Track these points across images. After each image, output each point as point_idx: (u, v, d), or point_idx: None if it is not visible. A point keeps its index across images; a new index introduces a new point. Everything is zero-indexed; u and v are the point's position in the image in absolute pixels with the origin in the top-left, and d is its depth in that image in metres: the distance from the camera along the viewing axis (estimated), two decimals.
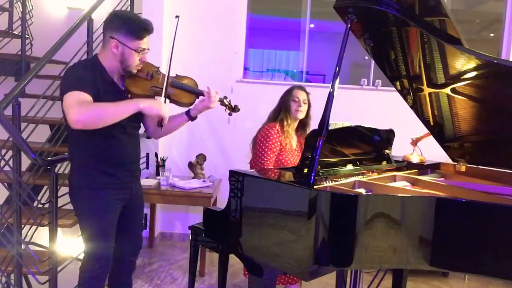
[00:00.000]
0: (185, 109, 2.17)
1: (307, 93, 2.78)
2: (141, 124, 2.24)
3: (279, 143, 2.66)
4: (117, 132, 2.00)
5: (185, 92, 2.10)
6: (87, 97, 1.84)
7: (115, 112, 1.85)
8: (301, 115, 2.74)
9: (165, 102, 1.98)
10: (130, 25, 1.94)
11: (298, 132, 2.84)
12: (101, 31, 2.04)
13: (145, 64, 2.05)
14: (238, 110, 2.24)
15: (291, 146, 2.74)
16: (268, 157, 2.63)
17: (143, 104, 1.88)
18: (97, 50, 3.21)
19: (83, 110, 1.78)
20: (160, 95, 2.00)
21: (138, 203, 2.28)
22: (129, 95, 2.02)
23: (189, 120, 2.17)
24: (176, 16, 2.00)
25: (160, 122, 1.97)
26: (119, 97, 1.98)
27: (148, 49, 2.02)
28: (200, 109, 2.13)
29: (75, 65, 2.08)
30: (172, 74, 2.10)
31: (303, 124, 2.81)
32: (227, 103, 2.22)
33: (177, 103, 2.10)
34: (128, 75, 2.03)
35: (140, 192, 2.29)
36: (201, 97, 2.13)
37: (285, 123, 2.70)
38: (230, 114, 2.25)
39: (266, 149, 2.63)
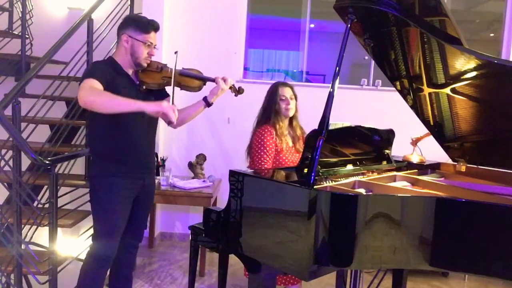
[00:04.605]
0: (196, 96, 2.39)
1: (292, 88, 2.71)
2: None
3: (274, 145, 2.62)
4: (131, 125, 2.20)
5: (193, 78, 2.35)
6: (97, 84, 2.03)
7: (116, 103, 1.96)
8: (291, 112, 2.68)
9: (173, 91, 2.15)
10: (138, 22, 2.21)
11: (289, 128, 2.76)
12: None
13: (153, 61, 2.28)
14: (243, 91, 2.42)
15: (287, 145, 2.68)
16: (266, 160, 2.59)
17: (145, 105, 1.95)
18: (98, 50, 3.27)
19: (88, 93, 1.98)
20: (170, 84, 2.19)
21: (148, 195, 2.43)
22: (144, 86, 2.24)
23: (207, 106, 2.36)
24: (175, 52, 2.18)
25: (168, 120, 2.01)
26: (134, 89, 2.22)
27: (156, 46, 2.25)
28: (216, 93, 2.33)
29: (93, 62, 2.32)
30: (179, 67, 2.31)
31: (290, 119, 2.73)
32: (232, 86, 2.43)
33: (187, 89, 2.33)
34: (139, 68, 2.24)
35: (152, 185, 2.47)
36: (214, 84, 2.34)
37: (277, 126, 2.64)
38: (236, 95, 2.44)
39: (262, 153, 2.60)
